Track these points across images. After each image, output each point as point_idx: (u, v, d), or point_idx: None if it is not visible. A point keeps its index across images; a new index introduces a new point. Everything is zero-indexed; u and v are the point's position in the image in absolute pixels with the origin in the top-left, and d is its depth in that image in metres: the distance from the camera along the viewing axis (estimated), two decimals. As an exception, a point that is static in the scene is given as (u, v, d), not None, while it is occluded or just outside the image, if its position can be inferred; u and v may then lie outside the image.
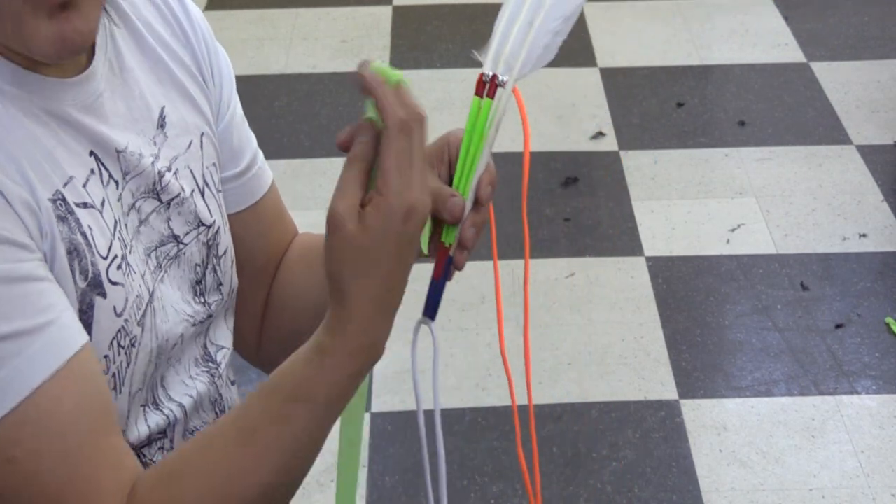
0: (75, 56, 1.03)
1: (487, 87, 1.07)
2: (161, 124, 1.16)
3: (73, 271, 1.03)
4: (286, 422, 1.01)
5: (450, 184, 1.06)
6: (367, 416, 2.63)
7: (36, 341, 0.96)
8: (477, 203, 1.06)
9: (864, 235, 3.18)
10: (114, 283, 1.07)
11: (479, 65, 1.09)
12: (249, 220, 1.30)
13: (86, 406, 0.99)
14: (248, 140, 1.32)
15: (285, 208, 1.37)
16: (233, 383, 1.32)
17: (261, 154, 1.34)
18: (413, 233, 0.99)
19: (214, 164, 1.24)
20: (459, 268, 1.09)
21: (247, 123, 1.33)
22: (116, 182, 1.10)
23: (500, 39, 1.09)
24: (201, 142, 1.21)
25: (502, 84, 1.07)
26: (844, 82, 3.89)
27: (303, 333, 1.08)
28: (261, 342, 1.38)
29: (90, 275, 1.04)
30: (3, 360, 0.95)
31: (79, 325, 1.01)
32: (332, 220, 0.98)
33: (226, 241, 1.25)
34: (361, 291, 0.99)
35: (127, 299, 1.08)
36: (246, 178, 1.30)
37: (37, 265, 0.99)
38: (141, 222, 1.13)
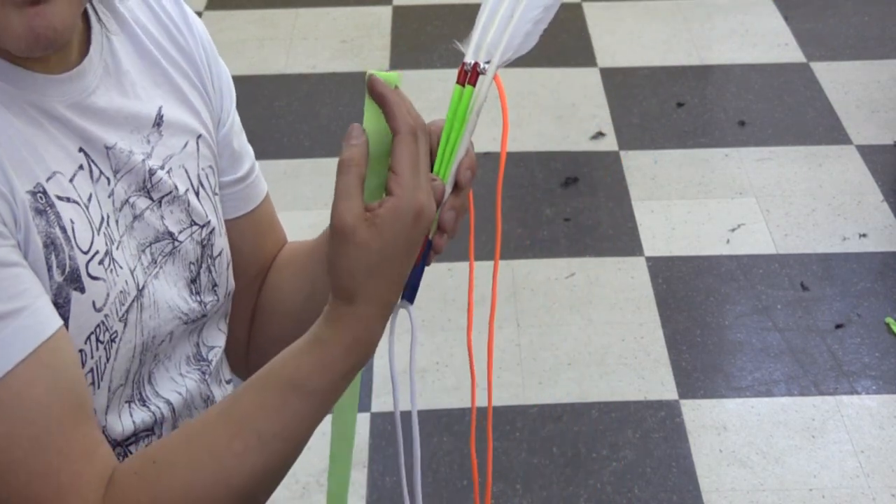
0: (49, 51, 1.02)
1: (468, 75, 1.08)
2: (158, 122, 1.16)
3: (49, 265, 1.03)
4: (278, 410, 1.02)
5: (431, 170, 1.07)
6: (367, 416, 2.62)
7: (8, 325, 0.96)
8: (456, 187, 1.07)
9: (864, 235, 3.18)
10: (94, 278, 1.07)
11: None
12: (246, 228, 1.31)
13: (57, 393, 0.99)
14: (247, 148, 1.33)
15: (278, 219, 1.39)
16: (228, 382, 1.32)
17: (257, 165, 1.35)
18: (419, 234, 1.01)
19: (211, 167, 1.24)
20: (438, 251, 1.10)
21: (244, 134, 1.34)
22: (108, 178, 1.10)
23: (481, 30, 1.11)
24: (197, 144, 1.22)
25: (483, 72, 1.09)
26: (844, 82, 3.89)
27: (284, 339, 1.08)
28: (248, 350, 1.38)
29: (68, 269, 1.04)
30: None
31: (53, 312, 1.01)
32: (342, 231, 0.99)
33: (221, 243, 1.25)
34: (372, 292, 1.01)
35: (108, 294, 1.08)
36: (245, 184, 1.31)
37: (10, 251, 0.99)
38: (135, 217, 1.13)
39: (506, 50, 1.08)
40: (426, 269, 1.09)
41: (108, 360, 1.09)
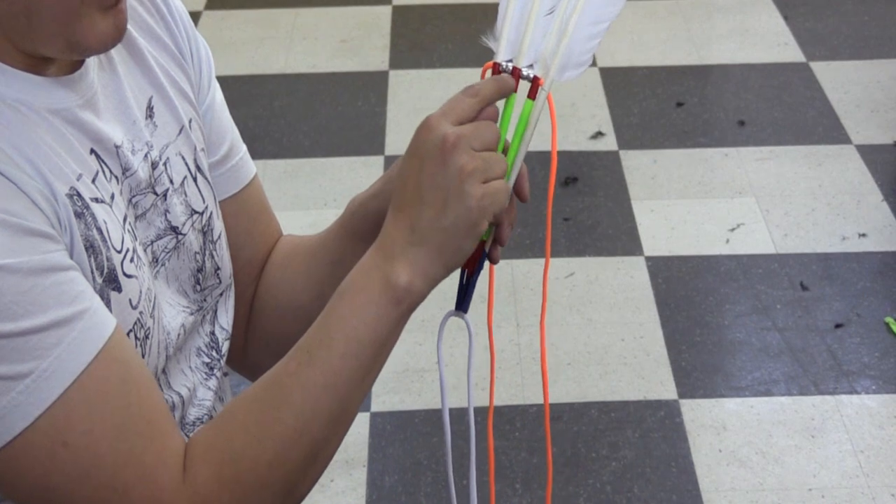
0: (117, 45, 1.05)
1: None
2: (150, 114, 1.16)
3: (91, 268, 1.04)
4: (307, 367, 1.04)
5: None
6: (366, 416, 2.62)
7: (74, 329, 0.98)
8: (510, 200, 1.09)
9: (863, 235, 3.18)
10: (128, 276, 1.08)
11: (475, 62, 1.10)
12: (229, 212, 1.30)
13: (130, 382, 1.01)
14: (228, 129, 1.31)
15: (269, 206, 1.37)
16: (225, 375, 1.32)
17: (244, 147, 1.33)
18: (450, 171, 1.03)
19: (203, 150, 1.24)
20: (495, 262, 1.12)
21: (228, 113, 1.32)
22: (117, 178, 1.10)
23: (512, 27, 1.10)
24: (190, 127, 1.21)
25: (527, 77, 1.08)
26: (844, 82, 3.89)
27: (289, 337, 1.08)
28: (246, 347, 1.37)
29: (106, 270, 1.05)
30: (44, 351, 0.96)
31: (107, 309, 1.03)
32: (422, 125, 1.05)
33: (219, 226, 1.25)
34: (409, 216, 1.04)
35: (140, 291, 1.09)
36: (226, 167, 1.30)
37: (64, 254, 1.00)
38: (137, 218, 1.13)
39: (566, 66, 1.09)
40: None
41: (143, 356, 1.10)
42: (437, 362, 2.71)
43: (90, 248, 1.03)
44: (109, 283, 1.05)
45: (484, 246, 1.10)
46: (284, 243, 1.37)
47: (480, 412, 2.40)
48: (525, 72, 1.08)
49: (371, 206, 1.22)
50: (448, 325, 1.16)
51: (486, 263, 1.13)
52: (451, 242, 1.04)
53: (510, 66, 1.08)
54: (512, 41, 1.10)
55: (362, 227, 1.22)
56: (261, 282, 1.35)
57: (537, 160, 3.60)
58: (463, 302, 1.13)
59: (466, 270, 1.12)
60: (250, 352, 1.37)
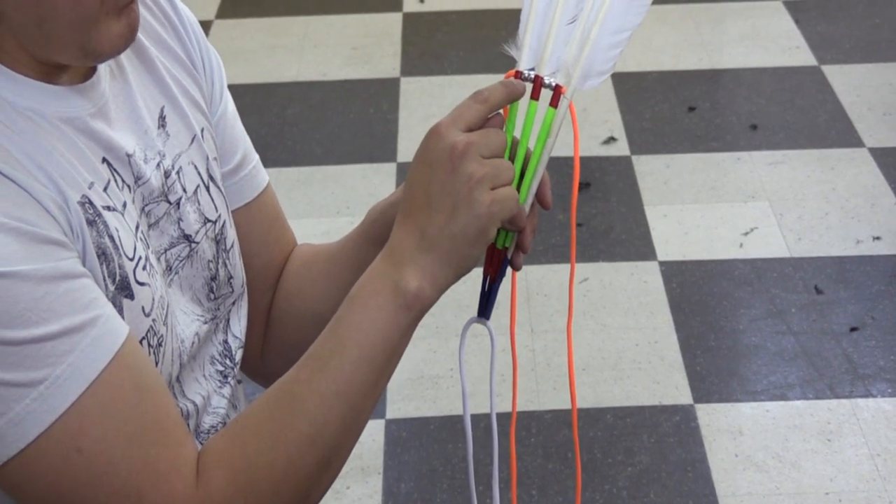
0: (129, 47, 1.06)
1: (532, 87, 1.08)
2: (162, 124, 1.16)
3: (103, 275, 1.04)
4: (319, 374, 1.04)
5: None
6: (381, 423, 2.62)
7: (87, 336, 0.98)
8: (531, 207, 1.11)
9: (877, 238, 3.17)
10: (141, 284, 1.08)
11: (486, 68, 1.10)
12: (243, 221, 1.31)
13: (144, 389, 1.02)
14: (240, 139, 1.32)
15: (283, 214, 1.38)
16: (239, 382, 1.32)
17: (256, 156, 1.34)
18: (460, 178, 1.03)
19: (216, 159, 1.24)
20: (518, 268, 1.13)
21: (240, 122, 1.33)
22: (129, 186, 1.10)
23: (534, 35, 1.10)
24: (202, 136, 1.21)
25: (550, 87, 1.08)
26: (856, 85, 3.88)
27: (307, 345, 1.09)
28: (263, 355, 1.38)
29: (118, 277, 1.06)
30: (58, 358, 0.96)
31: (119, 316, 1.03)
32: (431, 132, 1.06)
33: (232, 234, 1.26)
34: (419, 220, 1.05)
35: (153, 299, 1.10)
36: (238, 177, 1.30)
37: (76, 262, 1.00)
38: (150, 226, 1.14)
39: (588, 75, 1.10)
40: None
41: (156, 364, 1.10)
42: (457, 369, 2.72)
43: (102, 255, 1.04)
44: (122, 290, 1.06)
45: (506, 253, 1.10)
46: (301, 252, 1.37)
47: (499, 418, 2.39)
48: (547, 80, 1.08)
49: (391, 214, 1.22)
50: (460, 331, 1.17)
51: (509, 270, 1.14)
52: (461, 249, 1.05)
53: (532, 74, 1.08)
54: (534, 49, 1.10)
55: (383, 234, 1.22)
56: (278, 290, 1.35)
57: (549, 166, 3.59)
58: (485, 309, 1.13)
59: (489, 277, 1.12)
60: (268, 360, 1.37)
